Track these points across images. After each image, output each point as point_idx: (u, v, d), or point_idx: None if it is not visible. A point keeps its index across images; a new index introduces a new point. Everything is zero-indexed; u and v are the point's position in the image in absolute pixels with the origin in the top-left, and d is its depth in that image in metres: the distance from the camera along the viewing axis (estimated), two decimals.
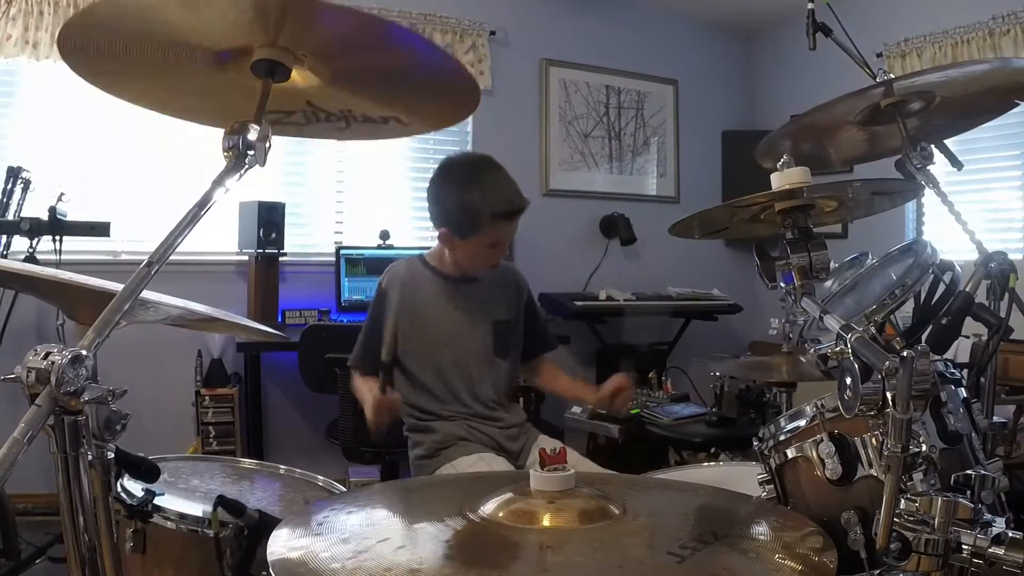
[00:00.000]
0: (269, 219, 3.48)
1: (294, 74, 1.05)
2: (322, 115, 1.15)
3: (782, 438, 1.18)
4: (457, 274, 2.03)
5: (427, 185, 1.99)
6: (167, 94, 1.12)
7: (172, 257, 0.86)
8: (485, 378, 2.01)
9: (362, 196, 4.02)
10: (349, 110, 1.14)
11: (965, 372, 1.26)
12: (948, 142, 1.51)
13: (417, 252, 2.14)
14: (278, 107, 1.13)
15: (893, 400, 0.82)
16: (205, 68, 1.02)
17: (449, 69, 1.04)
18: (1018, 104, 1.43)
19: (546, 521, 0.94)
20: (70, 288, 1.07)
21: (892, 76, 1.35)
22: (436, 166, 1.99)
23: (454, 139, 4.21)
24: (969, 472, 0.91)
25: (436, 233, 1.98)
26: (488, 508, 0.97)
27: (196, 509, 1.18)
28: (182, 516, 1.17)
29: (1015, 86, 1.38)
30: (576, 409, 3.23)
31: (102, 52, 0.97)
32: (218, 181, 0.93)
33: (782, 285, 1.10)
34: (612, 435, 3.07)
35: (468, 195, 1.87)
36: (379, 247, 3.70)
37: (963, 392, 1.13)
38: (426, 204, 1.98)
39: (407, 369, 1.96)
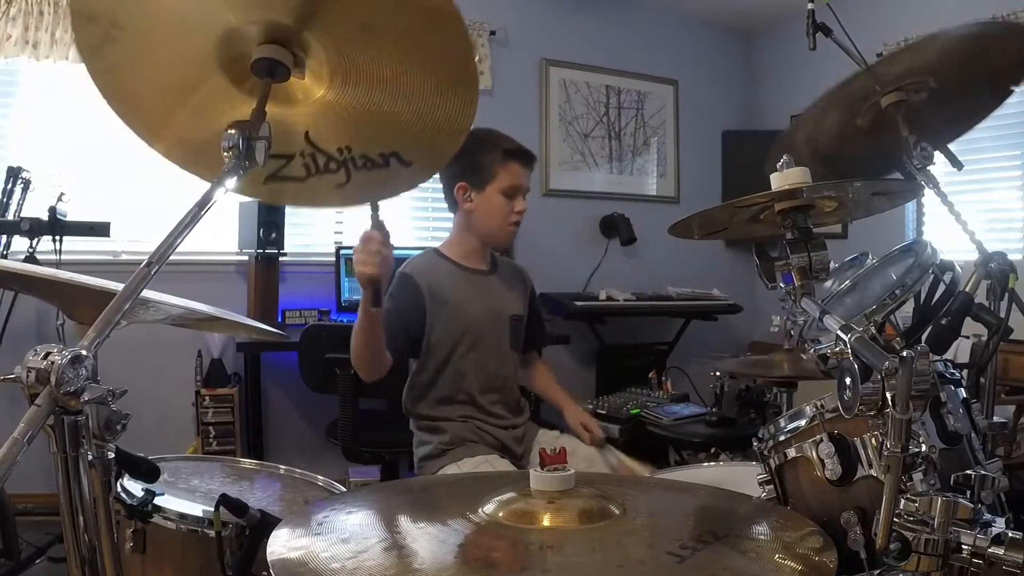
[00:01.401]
0: (269, 219, 3.47)
1: (295, 88, 1.05)
2: (321, 160, 1.13)
3: (782, 438, 1.18)
4: (475, 264, 2.03)
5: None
6: (150, 92, 1.10)
7: (172, 257, 0.86)
8: (500, 372, 2.02)
9: None
10: (348, 147, 1.12)
11: (965, 372, 1.26)
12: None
13: (429, 248, 2.16)
14: (279, 149, 1.11)
15: (893, 400, 0.82)
16: (210, 70, 1.02)
17: (454, 46, 1.03)
18: (1013, 91, 1.43)
19: (546, 521, 0.93)
20: (70, 288, 1.07)
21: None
22: None
23: None
24: (969, 472, 0.91)
25: (435, 235, 1.99)
26: (488, 508, 0.97)
27: (196, 509, 1.18)
28: (182, 516, 1.16)
29: (1006, 61, 1.37)
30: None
31: (113, 27, 0.96)
32: (218, 181, 0.93)
33: (782, 285, 1.10)
34: (612, 435, 3.07)
35: (479, 146, 1.97)
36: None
37: (963, 392, 1.13)
38: (426, 204, 2.01)
39: (425, 363, 1.97)
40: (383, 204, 1.48)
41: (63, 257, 2.76)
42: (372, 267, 1.56)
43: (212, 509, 1.10)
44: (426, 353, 1.96)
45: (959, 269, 1.25)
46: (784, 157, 1.11)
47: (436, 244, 2.13)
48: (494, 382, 2.01)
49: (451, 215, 2.11)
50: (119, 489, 1.13)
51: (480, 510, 0.97)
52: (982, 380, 1.34)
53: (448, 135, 1.14)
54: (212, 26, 0.98)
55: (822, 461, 1.08)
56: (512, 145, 1.99)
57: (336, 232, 3.95)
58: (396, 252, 1.62)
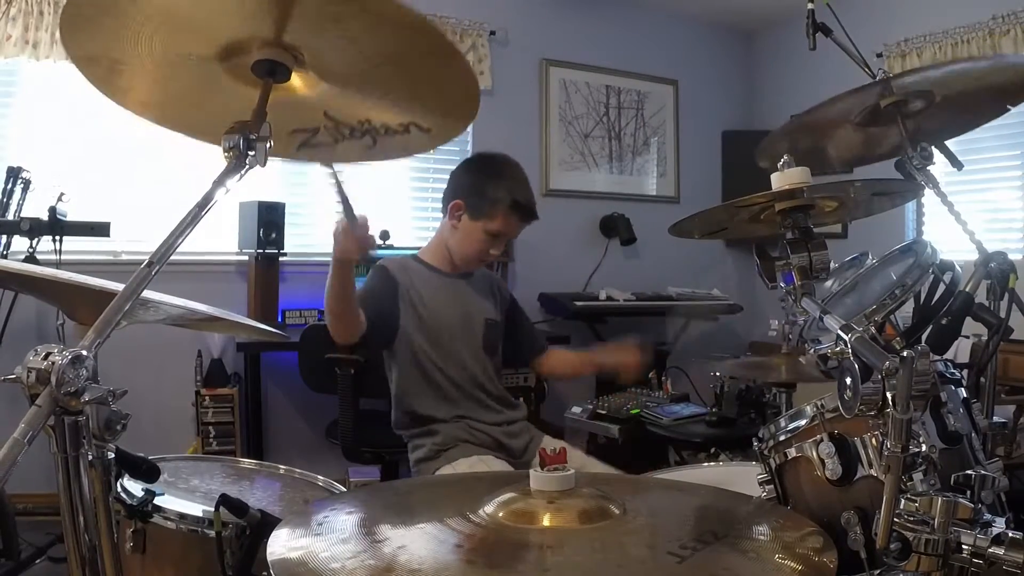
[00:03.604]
0: (269, 219, 3.47)
1: (301, 81, 1.06)
2: (345, 130, 1.15)
3: (782, 438, 1.18)
4: (450, 269, 2.05)
5: (447, 176, 2.05)
6: (167, 98, 1.12)
7: (172, 257, 0.86)
8: (477, 373, 2.02)
9: (362, 196, 4.02)
10: (368, 120, 1.14)
11: (965, 372, 1.26)
12: (948, 142, 1.51)
13: (407, 254, 2.16)
14: (300, 124, 1.14)
15: (893, 400, 0.82)
16: (207, 67, 1.02)
17: (438, 48, 1.04)
18: (1009, 109, 1.44)
19: (546, 521, 0.94)
20: (70, 288, 1.07)
21: (891, 75, 1.36)
22: (436, 165, 2.02)
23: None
24: (969, 472, 0.91)
25: (433, 235, 1.98)
26: (488, 508, 0.97)
27: (196, 509, 1.18)
28: (182, 516, 1.16)
29: (1011, 85, 1.38)
30: (576, 409, 3.23)
31: (104, 37, 0.96)
32: (219, 181, 0.93)
33: (782, 285, 1.10)
34: (612, 435, 3.07)
35: (496, 179, 1.96)
36: (379, 247, 3.70)
37: (963, 392, 1.13)
38: (426, 204, 2.01)
39: (406, 367, 1.97)
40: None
41: (63, 257, 2.76)
42: (356, 252, 1.65)
43: (212, 509, 1.10)
44: (404, 355, 1.96)
45: (959, 269, 1.25)
46: (784, 157, 1.11)
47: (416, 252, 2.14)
48: (475, 382, 2.01)
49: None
50: (119, 489, 1.13)
51: (480, 510, 0.97)
52: (982, 380, 1.34)
53: (460, 110, 1.16)
54: (207, 45, 0.99)
55: (822, 461, 1.08)
56: (523, 198, 1.97)
57: None
58: (397, 253, 1.63)
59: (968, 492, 0.89)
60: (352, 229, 1.62)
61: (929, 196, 1.42)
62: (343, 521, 0.98)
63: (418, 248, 2.16)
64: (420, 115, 1.15)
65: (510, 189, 1.94)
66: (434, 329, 1.96)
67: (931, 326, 1.20)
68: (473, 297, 2.08)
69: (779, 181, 1.11)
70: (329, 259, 1.67)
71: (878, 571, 0.87)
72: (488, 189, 1.95)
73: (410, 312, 1.95)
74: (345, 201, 1.56)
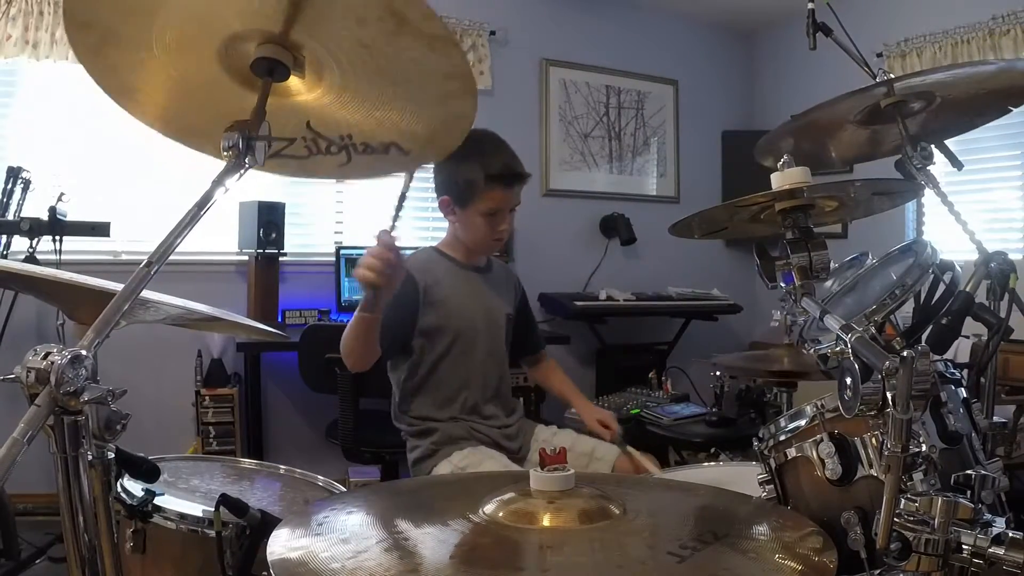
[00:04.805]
0: (269, 219, 3.48)
1: (294, 85, 1.05)
2: (323, 144, 1.14)
3: (782, 438, 1.18)
4: (469, 259, 2.04)
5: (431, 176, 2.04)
6: (150, 87, 1.11)
7: (172, 257, 0.86)
8: (498, 373, 2.02)
9: (362, 196, 4.02)
10: (349, 135, 1.13)
11: (965, 372, 1.26)
12: (948, 142, 1.51)
13: (428, 246, 2.15)
14: (279, 132, 1.12)
15: (893, 400, 0.82)
16: (209, 66, 1.02)
17: (452, 67, 1.03)
18: (1011, 110, 1.43)
19: (546, 521, 0.93)
20: (70, 288, 1.06)
21: (892, 76, 1.35)
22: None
23: None
24: (969, 472, 0.91)
25: (435, 235, 1.98)
26: (488, 508, 0.97)
27: (196, 509, 1.18)
28: (182, 516, 1.16)
29: (1016, 89, 1.38)
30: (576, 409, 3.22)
31: (107, 4, 0.96)
32: (218, 181, 0.93)
33: (782, 285, 1.10)
34: None
35: (465, 161, 1.89)
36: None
37: (963, 392, 1.13)
38: (426, 204, 1.99)
39: (415, 366, 1.96)
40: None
41: (63, 257, 2.76)
42: (376, 278, 1.53)
43: (212, 509, 1.10)
44: (420, 353, 1.94)
45: (959, 269, 1.25)
46: (784, 157, 1.11)
47: (435, 243, 2.13)
48: (492, 384, 2.00)
49: None
50: (119, 489, 1.13)
51: (480, 510, 0.96)
52: (982, 380, 1.34)
53: (447, 135, 1.15)
54: (212, 35, 0.99)
55: (822, 461, 1.08)
56: (495, 169, 1.89)
57: (336, 232, 3.95)
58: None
59: (968, 492, 0.89)
60: (383, 237, 1.52)
61: (929, 196, 1.42)
62: (343, 521, 0.98)
63: (417, 247, 2.16)
64: (405, 137, 1.13)
65: (482, 165, 1.88)
66: (454, 328, 1.94)
67: (931, 326, 1.20)
68: (493, 292, 2.07)
69: (779, 181, 1.11)
70: (328, 259, 1.66)
71: (878, 571, 0.87)
72: (461, 174, 1.90)
73: (430, 312, 1.92)
74: (401, 200, 1.52)
